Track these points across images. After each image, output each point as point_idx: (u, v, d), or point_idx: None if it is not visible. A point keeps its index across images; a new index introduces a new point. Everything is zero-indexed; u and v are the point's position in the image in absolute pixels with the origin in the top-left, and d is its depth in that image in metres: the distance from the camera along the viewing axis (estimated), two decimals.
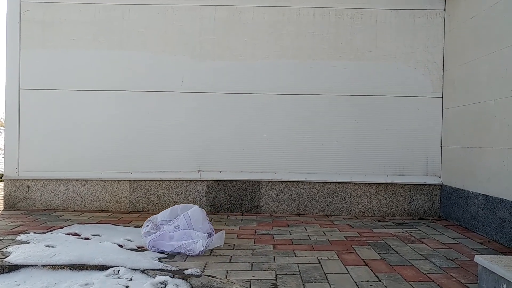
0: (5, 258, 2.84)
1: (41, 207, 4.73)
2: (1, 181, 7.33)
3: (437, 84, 4.75)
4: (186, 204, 3.71)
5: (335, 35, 4.76)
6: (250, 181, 4.76)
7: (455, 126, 4.46)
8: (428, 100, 4.75)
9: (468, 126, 4.16)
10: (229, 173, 4.75)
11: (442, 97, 4.73)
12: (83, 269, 2.73)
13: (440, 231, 4.03)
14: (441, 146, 4.75)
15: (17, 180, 4.71)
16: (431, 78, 4.75)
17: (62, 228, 3.76)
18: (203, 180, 4.76)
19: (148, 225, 3.38)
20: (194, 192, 4.76)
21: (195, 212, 3.40)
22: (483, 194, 3.85)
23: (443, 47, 4.73)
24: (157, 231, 3.29)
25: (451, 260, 3.06)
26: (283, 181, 4.76)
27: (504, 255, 2.94)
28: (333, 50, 4.76)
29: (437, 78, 4.74)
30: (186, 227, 3.29)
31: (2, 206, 4.78)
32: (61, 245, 3.14)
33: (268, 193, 4.78)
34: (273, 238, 3.64)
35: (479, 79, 3.98)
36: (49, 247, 3.09)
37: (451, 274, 2.75)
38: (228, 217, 4.51)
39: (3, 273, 2.69)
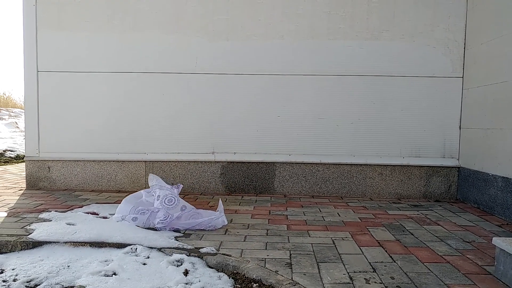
0: (29, 235, 2.96)
1: (61, 186, 4.87)
2: (23, 161, 7.57)
3: (457, 63, 4.59)
4: (136, 192, 3.66)
5: (352, 14, 4.63)
6: (264, 162, 4.77)
7: (475, 107, 4.33)
8: (448, 80, 4.61)
9: (490, 106, 4.04)
10: (243, 155, 4.76)
11: (463, 77, 4.58)
12: (102, 247, 2.82)
13: (457, 213, 3.98)
14: (459, 128, 4.63)
15: (38, 160, 4.84)
16: (451, 57, 4.59)
17: (81, 207, 3.88)
18: (217, 162, 4.79)
19: (136, 217, 3.26)
20: (209, 173, 4.81)
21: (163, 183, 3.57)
22: (502, 177, 3.76)
23: (465, 25, 4.55)
24: (145, 213, 3.27)
25: (468, 242, 3.03)
26: (297, 163, 4.75)
27: None
28: (349, 29, 4.64)
29: (458, 58, 4.59)
30: (189, 206, 3.47)
31: (25, 186, 4.95)
32: (81, 223, 3.25)
33: (282, 175, 4.79)
34: (287, 218, 3.67)
35: (503, 58, 3.82)
36: (70, 225, 3.20)
37: (468, 256, 2.72)
38: (243, 198, 4.55)
39: (27, 249, 2.80)
